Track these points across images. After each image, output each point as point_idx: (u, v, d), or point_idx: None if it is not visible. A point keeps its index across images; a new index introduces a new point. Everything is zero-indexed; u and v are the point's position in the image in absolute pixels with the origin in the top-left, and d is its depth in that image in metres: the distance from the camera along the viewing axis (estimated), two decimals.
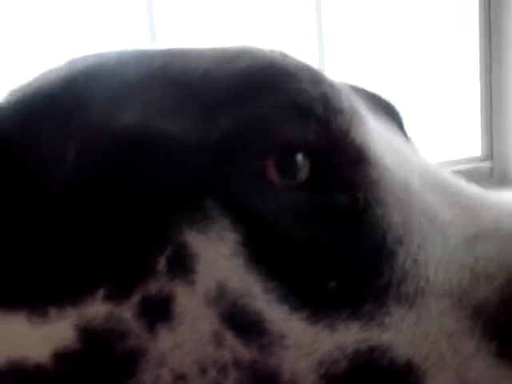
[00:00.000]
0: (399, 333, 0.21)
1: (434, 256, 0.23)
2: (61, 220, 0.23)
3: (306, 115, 0.23)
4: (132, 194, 0.22)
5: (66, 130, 0.24)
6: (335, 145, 0.23)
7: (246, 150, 0.22)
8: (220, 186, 0.22)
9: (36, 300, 0.22)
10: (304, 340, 0.21)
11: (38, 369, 0.22)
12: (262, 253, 0.22)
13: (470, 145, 2.31)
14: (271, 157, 0.22)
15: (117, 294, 0.21)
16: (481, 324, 0.21)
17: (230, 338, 0.21)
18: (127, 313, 0.21)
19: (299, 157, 0.22)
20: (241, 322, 0.21)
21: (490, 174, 2.25)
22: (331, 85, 0.24)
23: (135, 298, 0.21)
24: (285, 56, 0.25)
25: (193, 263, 0.21)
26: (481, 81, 2.27)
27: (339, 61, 2.05)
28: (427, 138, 2.18)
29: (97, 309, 0.21)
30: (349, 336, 0.21)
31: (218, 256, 0.21)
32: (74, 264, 0.22)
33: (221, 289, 0.21)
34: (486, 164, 2.27)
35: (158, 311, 0.21)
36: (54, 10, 1.63)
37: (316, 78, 0.24)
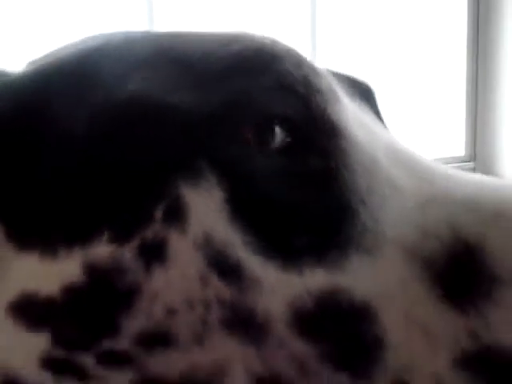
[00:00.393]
0: (357, 278, 0.24)
1: (392, 216, 0.26)
2: (74, 175, 0.26)
3: (288, 93, 0.26)
4: (136, 156, 0.26)
5: (78, 101, 0.27)
6: (313, 119, 0.26)
7: (234, 119, 0.25)
8: (211, 150, 0.25)
9: (48, 241, 0.25)
10: (277, 284, 0.24)
11: (48, 301, 0.25)
12: (243, 209, 0.25)
13: (454, 145, 2.36)
14: (255, 126, 0.25)
15: (119, 238, 0.24)
16: (430, 274, 0.24)
17: (214, 280, 0.24)
18: (127, 254, 0.24)
19: (279, 127, 0.25)
20: (223, 267, 0.24)
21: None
22: (313, 69, 0.28)
23: (135, 242, 0.24)
24: (274, 42, 0.28)
25: (185, 214, 0.24)
26: (467, 83, 2.32)
27: (330, 58, 2.09)
28: (413, 136, 2.23)
29: (101, 250, 0.24)
30: (315, 280, 0.24)
31: (207, 209, 0.25)
32: (84, 212, 0.25)
33: (207, 238, 0.24)
34: (469, 164, 2.33)
35: (154, 254, 0.24)
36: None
37: (299, 62, 0.27)
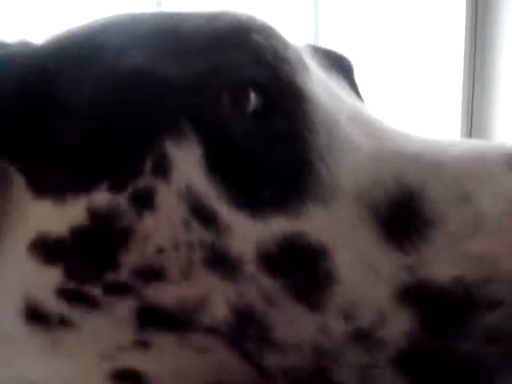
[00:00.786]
0: (314, 224, 0.28)
1: (348, 170, 0.29)
2: (79, 134, 0.30)
3: (260, 63, 0.30)
4: (131, 117, 0.30)
5: (83, 71, 0.31)
6: (282, 86, 0.30)
7: (212, 85, 0.29)
8: (192, 112, 0.29)
9: (59, 190, 0.30)
10: (246, 230, 0.28)
11: (59, 240, 0.29)
12: (218, 165, 0.29)
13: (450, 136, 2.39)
14: (231, 91, 0.29)
15: (115, 187, 0.28)
16: (376, 219, 0.28)
17: (195, 225, 0.28)
18: (122, 201, 0.28)
19: (251, 92, 0.29)
20: (202, 214, 0.28)
21: None
22: (283, 42, 0.32)
23: (128, 191, 0.28)
24: (251, 18, 0.32)
25: (170, 168, 0.28)
26: (464, 75, 2.34)
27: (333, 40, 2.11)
28: (413, 124, 2.26)
29: (101, 196, 0.28)
30: (278, 227, 0.28)
31: (187, 164, 0.28)
32: (87, 164, 0.30)
33: (188, 189, 0.28)
34: None
35: (145, 201, 0.28)
36: None
37: (271, 36, 0.31)
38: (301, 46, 0.34)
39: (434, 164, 0.29)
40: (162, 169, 0.29)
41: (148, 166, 0.29)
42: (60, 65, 0.32)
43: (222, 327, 0.28)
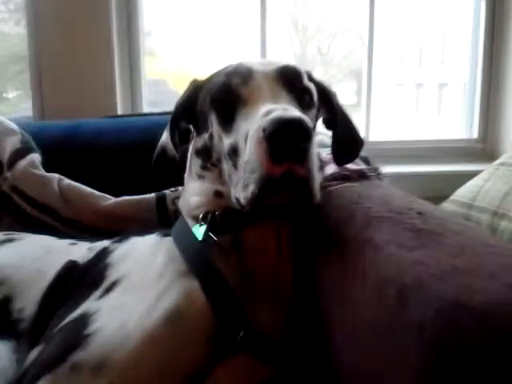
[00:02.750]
0: None
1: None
2: (204, 108, 1.00)
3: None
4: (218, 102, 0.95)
5: (205, 91, 1.00)
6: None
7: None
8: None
9: (199, 128, 1.03)
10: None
11: (201, 148, 1.06)
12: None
13: (467, 128, 2.66)
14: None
15: (208, 130, 1.00)
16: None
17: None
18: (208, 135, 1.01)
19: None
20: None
21: (482, 154, 2.53)
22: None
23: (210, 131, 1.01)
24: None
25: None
26: (482, 77, 2.53)
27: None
28: (436, 119, 2.48)
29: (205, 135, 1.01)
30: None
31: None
32: (206, 120, 0.99)
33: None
34: (480, 145, 2.56)
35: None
36: None
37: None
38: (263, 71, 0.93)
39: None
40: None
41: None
42: (201, 86, 1.02)
43: None
